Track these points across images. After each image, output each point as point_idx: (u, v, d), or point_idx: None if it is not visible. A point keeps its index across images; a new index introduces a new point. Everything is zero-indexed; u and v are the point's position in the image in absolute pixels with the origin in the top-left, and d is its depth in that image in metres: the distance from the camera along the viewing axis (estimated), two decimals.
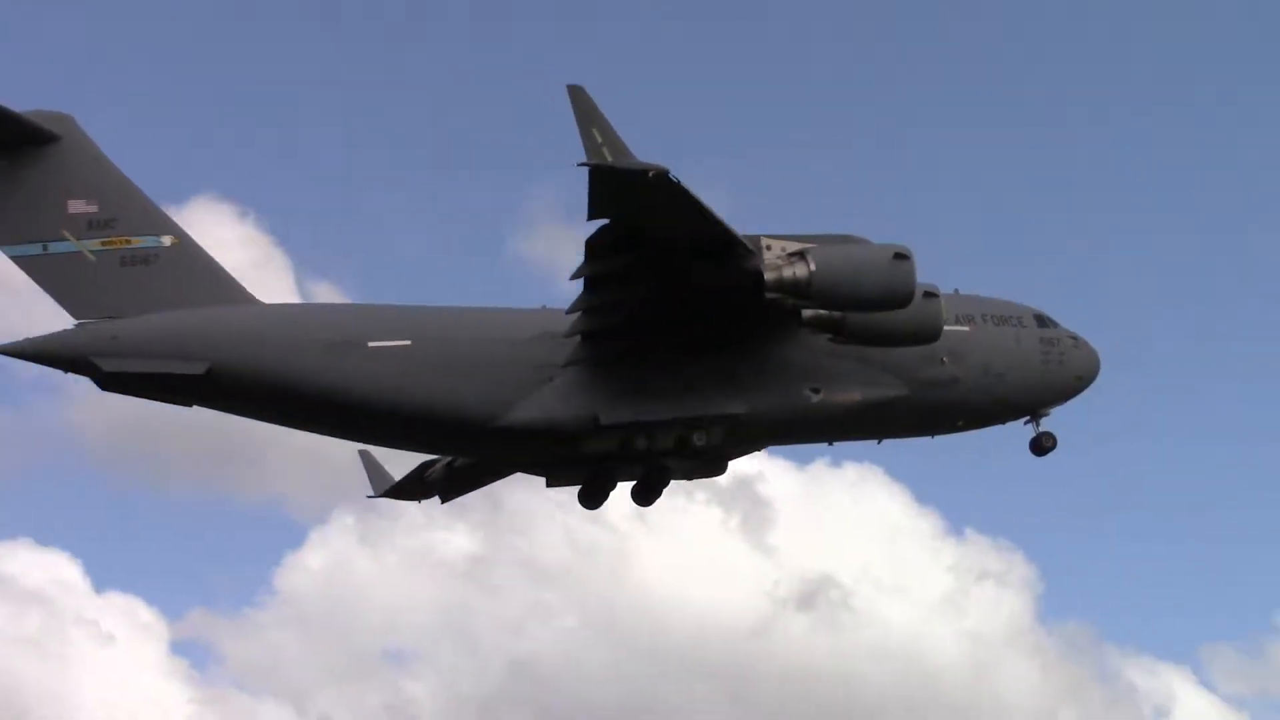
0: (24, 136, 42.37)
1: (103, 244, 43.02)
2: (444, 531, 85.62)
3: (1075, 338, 48.67)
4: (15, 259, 42.93)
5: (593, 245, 40.34)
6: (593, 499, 48.03)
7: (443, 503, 55.59)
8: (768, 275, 40.79)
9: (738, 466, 48.97)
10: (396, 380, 43.16)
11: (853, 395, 45.02)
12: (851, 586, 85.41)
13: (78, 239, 42.90)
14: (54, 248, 42.85)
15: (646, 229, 39.29)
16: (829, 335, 43.55)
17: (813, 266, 40.58)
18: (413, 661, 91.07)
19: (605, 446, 44.53)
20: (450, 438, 45.00)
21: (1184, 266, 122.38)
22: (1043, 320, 48.34)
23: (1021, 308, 48.39)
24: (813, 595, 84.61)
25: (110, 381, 42.87)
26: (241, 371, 42.63)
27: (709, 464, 47.28)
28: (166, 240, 43.56)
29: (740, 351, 44.10)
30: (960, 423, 47.72)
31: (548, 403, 43.48)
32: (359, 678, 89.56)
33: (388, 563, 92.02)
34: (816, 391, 44.67)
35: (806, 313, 42.55)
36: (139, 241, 43.33)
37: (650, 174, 36.65)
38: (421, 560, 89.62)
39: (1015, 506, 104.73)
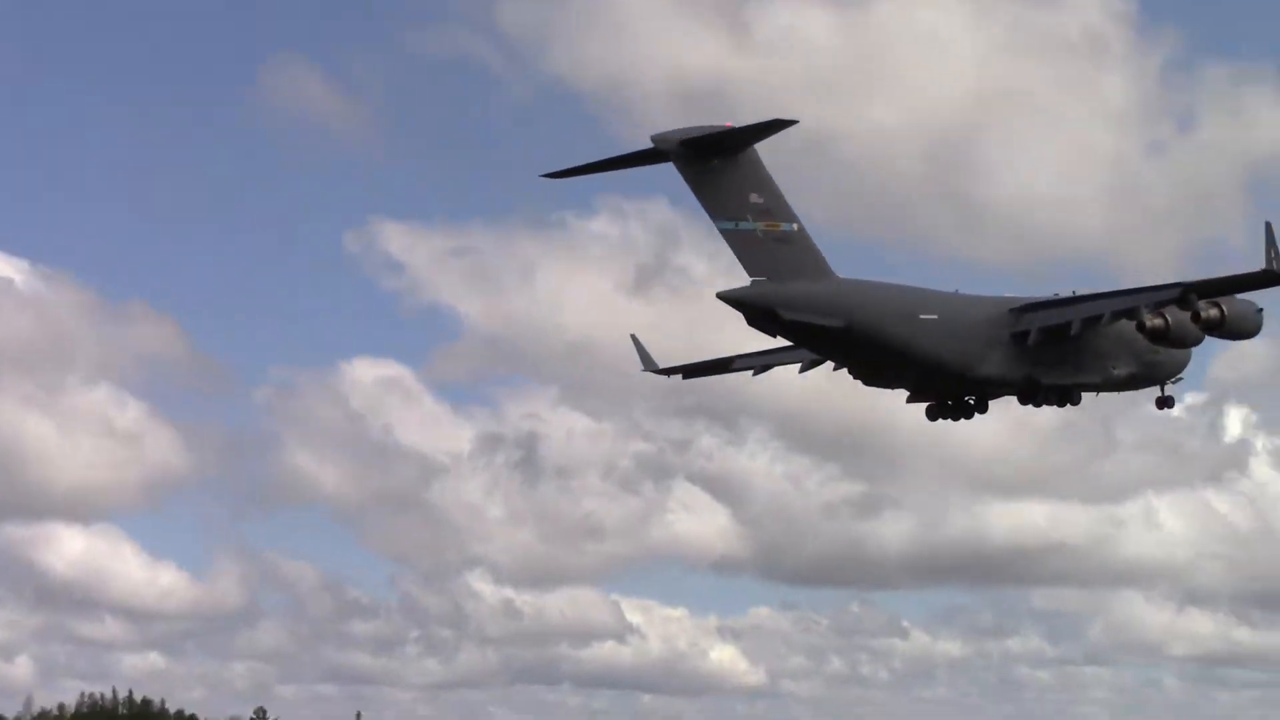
0: (746, 145, 59.97)
1: (766, 226, 61.66)
2: None
3: None
4: (720, 230, 61.28)
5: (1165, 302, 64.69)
6: (940, 415, 71.72)
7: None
8: (1203, 314, 66.25)
9: None
10: (931, 341, 65.21)
11: (1122, 370, 71.82)
12: None
13: (754, 221, 61.18)
14: (741, 225, 61.76)
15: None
16: (1147, 337, 69.12)
17: (1226, 312, 66.89)
18: None
19: (1012, 391, 68.31)
20: (940, 381, 67.41)
21: None
22: None
23: None
24: None
25: (770, 324, 61.67)
26: (866, 328, 63.51)
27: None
28: (795, 226, 62.81)
29: (1092, 344, 69.16)
30: (1148, 386, 74.91)
31: (1003, 363, 67.74)
32: None
33: None
34: (1115, 368, 71.10)
35: (1147, 325, 67.82)
36: (783, 226, 62.83)
37: None
38: None
39: None
